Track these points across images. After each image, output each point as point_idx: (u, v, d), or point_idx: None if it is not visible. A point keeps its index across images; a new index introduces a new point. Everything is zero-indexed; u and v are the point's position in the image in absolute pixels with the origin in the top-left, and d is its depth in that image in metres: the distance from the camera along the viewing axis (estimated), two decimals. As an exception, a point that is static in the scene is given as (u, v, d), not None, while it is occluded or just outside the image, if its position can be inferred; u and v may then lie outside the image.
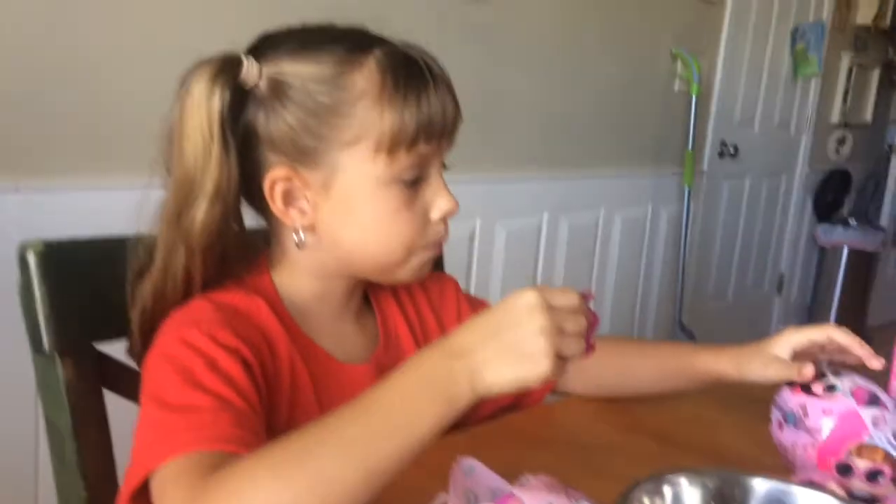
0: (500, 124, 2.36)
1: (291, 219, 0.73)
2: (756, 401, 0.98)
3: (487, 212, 2.35)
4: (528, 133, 2.46)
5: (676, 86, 2.96)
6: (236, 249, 0.73)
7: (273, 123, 0.70)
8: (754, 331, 3.83)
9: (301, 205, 0.72)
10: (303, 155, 0.70)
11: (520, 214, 2.46)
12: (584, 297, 0.64)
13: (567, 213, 2.62)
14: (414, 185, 0.72)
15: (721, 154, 3.27)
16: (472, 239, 2.32)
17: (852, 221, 3.89)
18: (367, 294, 0.85)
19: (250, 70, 0.69)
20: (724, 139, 3.27)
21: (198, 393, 0.62)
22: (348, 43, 0.71)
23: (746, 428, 0.90)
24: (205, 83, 0.67)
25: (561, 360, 0.57)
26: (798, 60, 3.53)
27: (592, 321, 0.66)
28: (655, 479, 0.57)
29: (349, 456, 0.54)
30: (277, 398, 0.71)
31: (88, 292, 0.76)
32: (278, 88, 0.69)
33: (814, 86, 3.69)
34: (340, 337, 0.80)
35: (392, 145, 0.69)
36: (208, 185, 0.67)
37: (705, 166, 3.20)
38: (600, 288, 2.83)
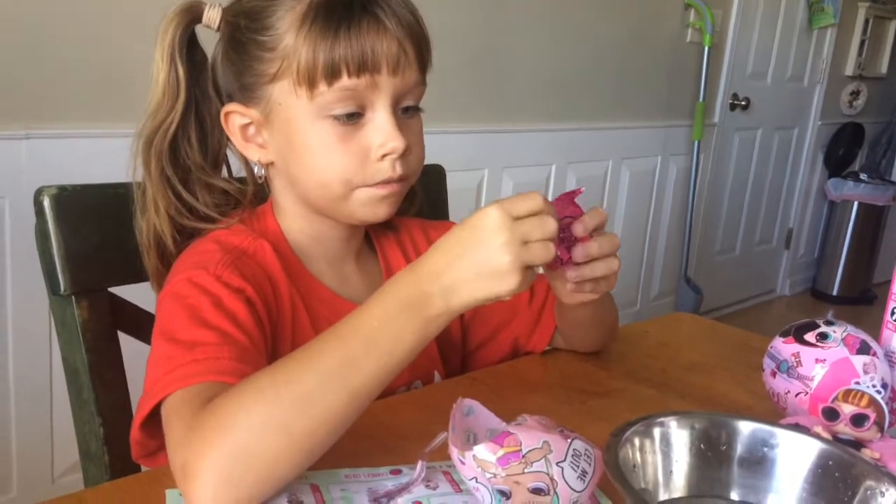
0: (508, 76, 2.35)
1: (250, 153, 0.77)
2: (750, 349, 1.00)
3: (495, 162, 2.35)
4: (537, 84, 2.44)
5: (689, 36, 2.93)
6: (210, 188, 0.78)
7: (224, 62, 0.77)
8: (761, 285, 3.86)
9: (258, 140, 0.76)
10: (246, 90, 0.75)
11: (528, 165, 2.47)
12: (573, 194, 0.66)
13: (575, 164, 2.62)
14: (352, 120, 0.72)
15: (732, 106, 3.25)
16: (479, 188, 2.33)
17: (863, 176, 3.87)
18: (372, 241, 0.87)
19: (210, 15, 0.76)
20: (735, 91, 3.24)
21: (203, 329, 0.65)
22: None
23: (741, 375, 0.93)
24: (165, 22, 0.75)
25: (530, 269, 0.60)
26: (813, 10, 3.47)
27: (578, 214, 0.67)
28: (646, 421, 0.60)
29: (332, 378, 0.58)
30: (280, 335, 0.74)
31: (102, 236, 0.78)
32: (229, 30, 0.76)
33: (829, 37, 3.63)
34: (343, 278, 0.83)
35: (309, 78, 0.70)
36: (166, 106, 0.75)
37: (716, 118, 3.18)
38: (607, 240, 2.84)
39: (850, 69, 3.85)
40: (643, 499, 0.54)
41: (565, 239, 0.69)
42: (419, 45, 0.74)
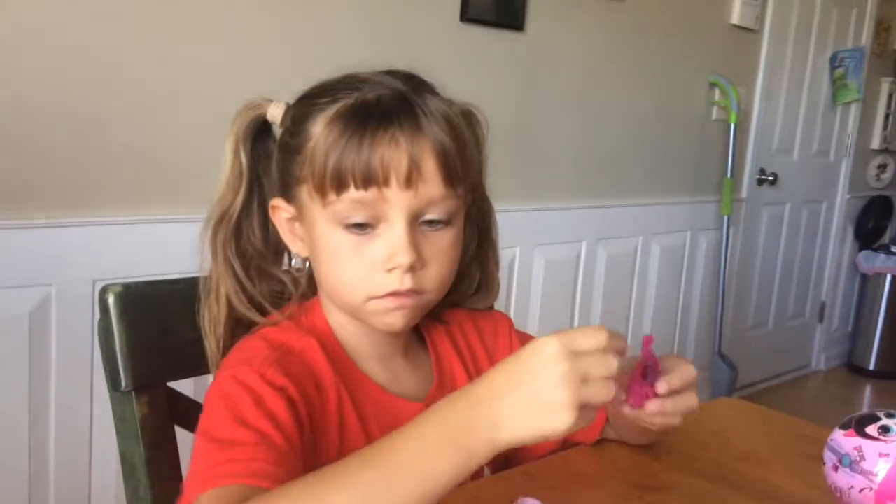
0: (538, 154, 2.39)
1: (293, 246, 0.79)
2: (803, 438, 0.98)
3: (526, 240, 2.37)
4: (567, 162, 2.48)
5: (714, 114, 2.97)
6: (269, 278, 0.79)
7: (275, 158, 0.79)
8: (796, 360, 3.79)
9: (300, 233, 0.78)
10: (286, 188, 0.77)
11: (558, 242, 2.48)
12: (646, 343, 0.65)
13: (605, 241, 2.63)
14: (364, 230, 0.71)
15: (760, 181, 3.26)
16: (511, 267, 2.34)
17: (894, 248, 3.83)
18: (422, 334, 0.88)
19: (274, 112, 0.79)
20: (762, 167, 3.26)
21: (241, 429, 0.65)
22: (341, 89, 0.75)
23: (797, 467, 0.91)
24: (235, 116, 0.79)
25: (587, 408, 0.55)
26: (837, 86, 3.51)
27: (653, 365, 0.66)
28: (716, 523, 0.58)
29: (366, 499, 0.55)
30: (325, 437, 0.74)
31: (164, 332, 0.80)
32: (282, 129, 0.78)
33: (853, 112, 3.66)
34: (393, 374, 0.82)
35: (320, 186, 0.71)
36: (230, 195, 0.78)
37: (744, 194, 3.19)
38: (638, 317, 2.83)
39: (875, 143, 3.86)
40: None
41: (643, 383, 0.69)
42: (445, 160, 0.71)
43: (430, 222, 0.73)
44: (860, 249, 3.92)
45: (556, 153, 2.44)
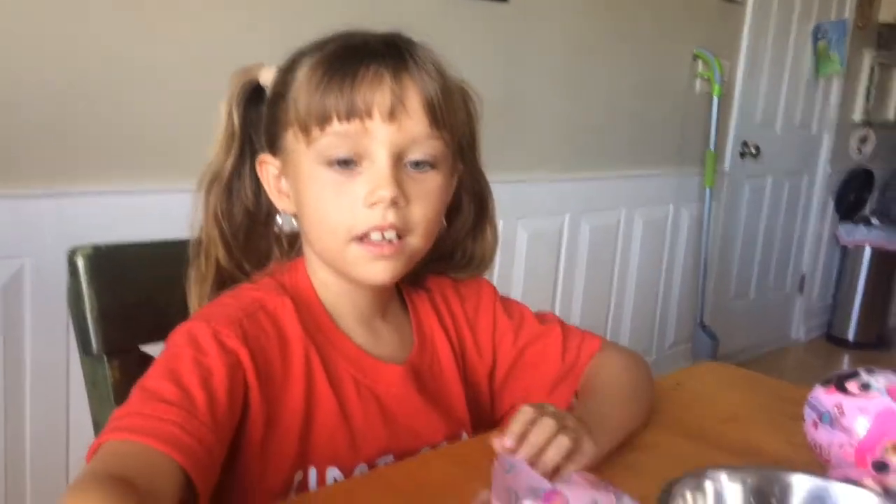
0: (521, 126, 2.37)
1: (279, 203, 0.78)
2: (786, 399, 0.98)
3: (509, 213, 2.36)
4: (550, 134, 2.46)
5: (698, 86, 2.96)
6: (260, 239, 0.79)
7: (264, 113, 0.78)
8: (776, 331, 3.82)
9: (286, 189, 0.77)
10: (272, 139, 0.76)
11: (541, 215, 2.47)
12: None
13: (588, 214, 2.62)
14: (348, 167, 0.71)
15: (742, 154, 3.26)
16: (494, 240, 2.33)
17: (875, 220, 3.86)
18: (404, 298, 0.87)
19: (266, 77, 0.78)
20: (745, 139, 3.26)
21: (169, 384, 0.63)
22: (329, 40, 0.74)
23: (779, 426, 0.91)
24: (230, 79, 0.79)
25: None
26: (820, 59, 3.51)
27: None
28: (696, 476, 0.58)
29: None
30: (286, 399, 0.73)
31: (135, 295, 0.78)
32: (273, 87, 0.77)
33: (836, 84, 3.67)
34: (374, 336, 0.81)
35: (304, 123, 0.71)
36: (222, 155, 0.78)
37: (727, 166, 3.20)
38: (621, 289, 2.83)
39: (857, 116, 3.87)
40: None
41: None
42: (430, 100, 0.72)
43: (416, 164, 0.73)
44: (841, 222, 3.95)
45: (540, 126, 2.42)
